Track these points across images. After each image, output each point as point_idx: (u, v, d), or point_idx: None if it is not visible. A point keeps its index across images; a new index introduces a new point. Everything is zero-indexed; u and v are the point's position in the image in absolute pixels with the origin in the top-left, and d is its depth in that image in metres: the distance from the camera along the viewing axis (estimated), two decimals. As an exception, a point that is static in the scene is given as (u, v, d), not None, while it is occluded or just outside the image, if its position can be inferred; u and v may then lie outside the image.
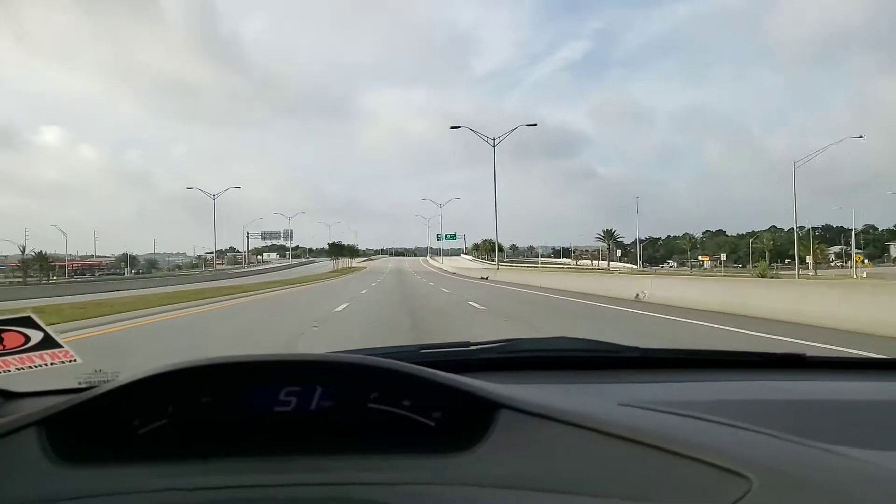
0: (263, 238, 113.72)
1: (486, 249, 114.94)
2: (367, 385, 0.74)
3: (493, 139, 37.30)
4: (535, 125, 40.60)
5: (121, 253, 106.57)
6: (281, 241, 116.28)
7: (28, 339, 0.91)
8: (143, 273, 67.16)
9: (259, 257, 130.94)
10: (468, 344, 1.34)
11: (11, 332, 0.90)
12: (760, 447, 0.64)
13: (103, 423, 0.74)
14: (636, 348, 1.35)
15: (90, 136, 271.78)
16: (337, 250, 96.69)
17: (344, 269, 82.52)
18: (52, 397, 0.94)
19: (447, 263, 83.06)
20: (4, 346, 0.89)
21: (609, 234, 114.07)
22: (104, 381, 0.92)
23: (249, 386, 0.74)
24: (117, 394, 0.73)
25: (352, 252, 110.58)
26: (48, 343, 0.92)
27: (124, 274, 70.31)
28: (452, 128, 38.06)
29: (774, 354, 1.33)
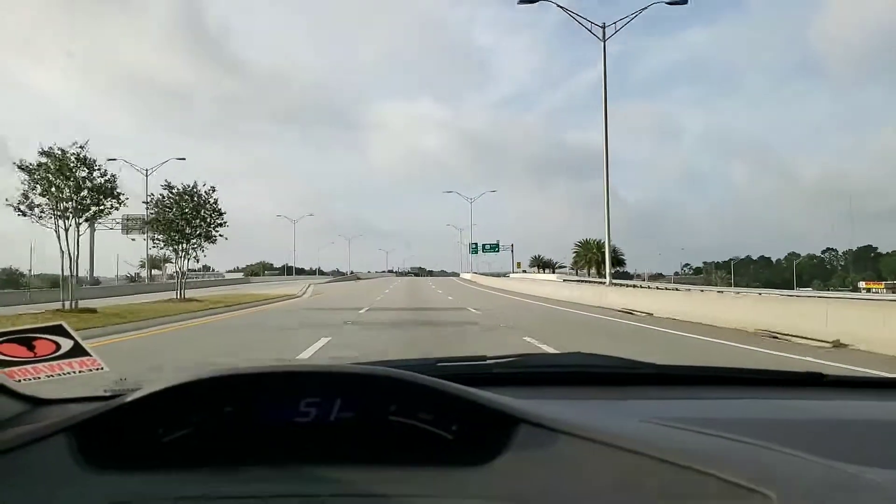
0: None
1: (593, 261, 66.74)
2: (387, 397, 0.76)
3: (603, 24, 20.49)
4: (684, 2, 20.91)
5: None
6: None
7: (59, 346, 0.97)
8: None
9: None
10: (485, 358, 1.34)
11: (43, 340, 0.96)
12: (781, 465, 0.63)
13: (129, 431, 0.78)
14: (652, 364, 1.32)
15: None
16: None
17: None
18: (79, 405, 1.00)
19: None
20: (36, 354, 0.95)
21: None
22: (129, 390, 0.98)
23: (270, 396, 0.77)
24: (143, 402, 0.77)
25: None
26: (78, 351, 0.98)
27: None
28: (520, 2, 21.03)
29: (793, 372, 1.30)
